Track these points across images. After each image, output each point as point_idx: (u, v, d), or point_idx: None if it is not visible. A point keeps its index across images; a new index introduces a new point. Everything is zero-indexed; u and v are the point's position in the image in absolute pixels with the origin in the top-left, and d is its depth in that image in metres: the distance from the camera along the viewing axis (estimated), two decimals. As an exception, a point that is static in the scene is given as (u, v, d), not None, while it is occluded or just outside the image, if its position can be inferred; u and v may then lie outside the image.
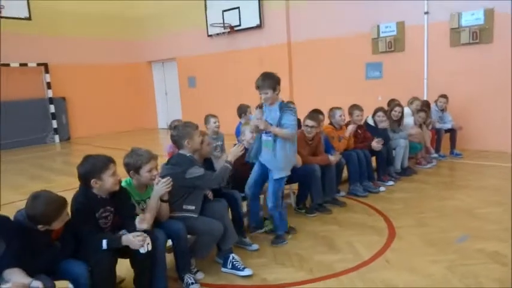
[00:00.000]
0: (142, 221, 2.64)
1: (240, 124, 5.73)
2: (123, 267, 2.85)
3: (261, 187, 3.78)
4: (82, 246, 2.50)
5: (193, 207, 3.08)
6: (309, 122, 4.32)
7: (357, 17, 8.44)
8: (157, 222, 2.88)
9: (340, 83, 8.92)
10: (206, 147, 3.41)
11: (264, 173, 3.64)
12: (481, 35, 6.94)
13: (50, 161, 9.15)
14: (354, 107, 5.23)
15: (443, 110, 6.91)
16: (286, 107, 3.46)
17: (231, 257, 3.19)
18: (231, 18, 10.47)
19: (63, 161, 9.64)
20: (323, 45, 9.14)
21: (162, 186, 2.80)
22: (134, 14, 13.30)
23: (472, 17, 7.02)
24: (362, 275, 3.04)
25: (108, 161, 2.62)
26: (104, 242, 2.47)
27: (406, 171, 5.80)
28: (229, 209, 3.52)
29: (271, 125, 3.39)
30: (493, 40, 6.89)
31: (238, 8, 10.29)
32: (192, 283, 2.95)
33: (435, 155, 6.64)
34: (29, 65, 11.26)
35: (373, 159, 5.43)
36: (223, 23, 10.56)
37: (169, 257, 3.00)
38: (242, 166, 3.73)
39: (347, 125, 5.14)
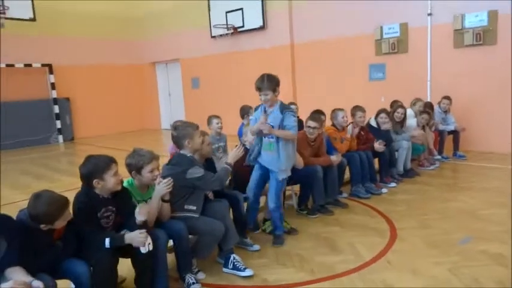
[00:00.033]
0: (141, 212, 2.63)
1: (242, 125, 5.74)
2: (125, 267, 2.86)
3: (261, 188, 3.78)
4: (84, 245, 2.51)
5: (194, 208, 3.08)
6: (311, 123, 4.32)
7: (360, 19, 8.44)
8: (158, 222, 2.89)
9: (343, 84, 8.92)
10: (206, 147, 3.42)
11: (264, 174, 3.65)
12: (484, 36, 6.92)
13: (53, 161, 9.20)
14: (357, 108, 5.22)
15: (446, 112, 6.89)
16: (287, 108, 3.49)
17: (232, 258, 3.20)
18: (235, 20, 10.49)
19: (67, 161, 9.68)
20: (326, 46, 9.14)
21: (163, 187, 2.82)
22: (138, 15, 13.37)
23: (476, 19, 7.00)
24: (363, 276, 3.03)
25: (110, 161, 2.63)
26: (107, 240, 2.48)
27: (408, 173, 5.78)
28: (231, 210, 3.53)
29: (272, 126, 3.40)
30: (496, 42, 6.87)
31: (241, 9, 10.31)
32: (193, 283, 2.96)
33: (438, 157, 6.62)
34: (34, 65, 11.35)
35: (376, 160, 5.42)
36: (227, 24, 10.58)
37: (171, 257, 3.01)
38: (244, 167, 3.73)
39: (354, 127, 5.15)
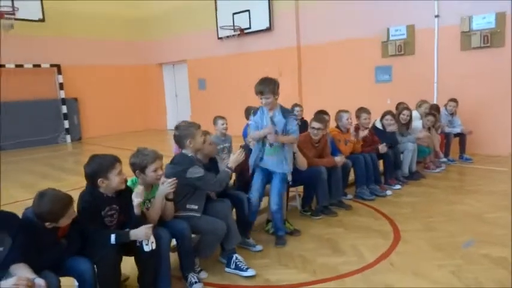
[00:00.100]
0: (137, 195, 2.67)
1: (247, 126, 5.74)
2: (128, 266, 2.89)
3: (263, 190, 3.78)
4: (88, 243, 2.53)
5: (196, 207, 3.11)
6: (315, 124, 4.32)
7: (367, 20, 8.42)
8: (162, 222, 2.92)
9: (350, 86, 8.90)
10: (209, 147, 3.44)
11: (266, 177, 3.66)
12: (492, 38, 6.87)
13: (61, 161, 9.28)
14: (362, 110, 5.22)
15: (453, 114, 6.85)
16: (289, 112, 3.59)
17: (234, 257, 3.21)
18: (241, 21, 10.52)
19: (73, 160, 9.76)
20: (332, 48, 9.13)
21: (167, 186, 2.84)
22: (146, 16, 13.47)
23: (484, 21, 6.95)
24: (365, 278, 3.03)
25: (114, 161, 2.66)
26: (113, 236, 2.51)
27: (414, 175, 5.75)
28: (235, 210, 3.55)
29: (276, 131, 3.46)
30: (504, 44, 6.82)
31: (248, 10, 10.34)
32: (196, 282, 2.98)
33: (444, 160, 6.58)
34: (42, 66, 11.46)
35: (381, 162, 5.40)
36: (233, 25, 10.62)
37: (173, 256, 3.03)
38: (248, 168, 3.74)
39: (357, 129, 5.13)
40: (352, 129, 5.04)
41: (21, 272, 2.09)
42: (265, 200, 3.93)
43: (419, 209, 4.56)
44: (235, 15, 10.58)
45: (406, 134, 5.79)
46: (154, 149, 2.96)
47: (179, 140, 3.19)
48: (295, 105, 6.29)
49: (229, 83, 11.43)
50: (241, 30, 10.57)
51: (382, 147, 5.16)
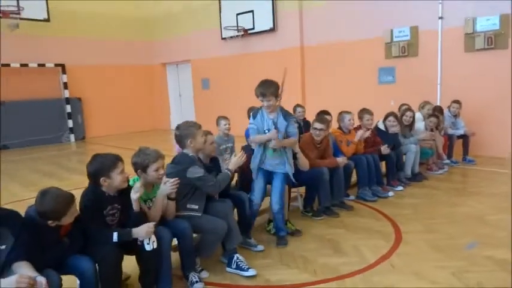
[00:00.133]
0: (135, 189, 2.69)
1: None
2: (129, 265, 2.90)
3: (265, 191, 3.79)
4: (90, 242, 2.55)
5: (196, 207, 3.12)
6: (318, 125, 4.33)
7: (371, 21, 8.41)
8: (163, 221, 2.94)
9: (353, 87, 8.89)
10: (209, 146, 3.45)
11: (267, 177, 3.67)
12: (496, 40, 6.85)
13: (64, 160, 9.33)
14: (364, 111, 5.21)
15: (456, 116, 6.83)
16: (289, 115, 3.61)
17: (235, 257, 3.22)
18: (245, 22, 10.54)
19: (77, 159, 9.80)
20: (336, 49, 9.13)
21: (168, 186, 2.86)
22: (150, 16, 13.52)
23: (488, 22, 6.93)
24: (366, 278, 3.03)
25: (116, 160, 2.68)
26: (115, 234, 2.53)
27: (416, 177, 5.74)
28: (236, 210, 3.56)
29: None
30: (508, 46, 6.79)
31: (252, 11, 10.36)
32: (197, 281, 2.99)
33: (447, 161, 6.56)
34: (47, 65, 11.53)
35: (383, 163, 5.40)
36: (237, 26, 10.64)
37: (175, 256, 3.04)
38: (249, 168, 3.75)
39: (356, 129, 5.13)
40: (360, 132, 5.02)
41: (23, 270, 2.10)
42: (266, 200, 3.94)
43: (421, 210, 4.55)
44: (239, 16, 10.61)
45: (408, 135, 5.78)
46: (156, 149, 2.97)
47: (180, 140, 3.20)
48: (298, 105, 6.30)
49: (232, 83, 11.45)
50: (245, 30, 10.59)
51: (385, 149, 5.16)
